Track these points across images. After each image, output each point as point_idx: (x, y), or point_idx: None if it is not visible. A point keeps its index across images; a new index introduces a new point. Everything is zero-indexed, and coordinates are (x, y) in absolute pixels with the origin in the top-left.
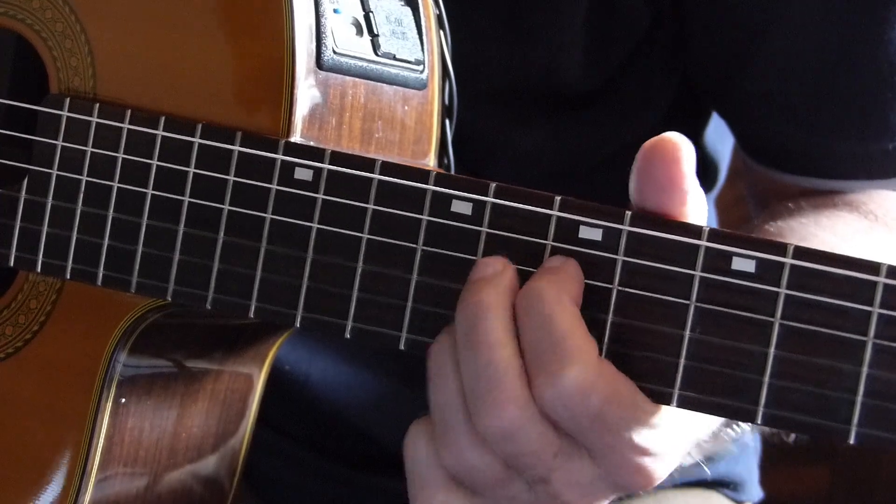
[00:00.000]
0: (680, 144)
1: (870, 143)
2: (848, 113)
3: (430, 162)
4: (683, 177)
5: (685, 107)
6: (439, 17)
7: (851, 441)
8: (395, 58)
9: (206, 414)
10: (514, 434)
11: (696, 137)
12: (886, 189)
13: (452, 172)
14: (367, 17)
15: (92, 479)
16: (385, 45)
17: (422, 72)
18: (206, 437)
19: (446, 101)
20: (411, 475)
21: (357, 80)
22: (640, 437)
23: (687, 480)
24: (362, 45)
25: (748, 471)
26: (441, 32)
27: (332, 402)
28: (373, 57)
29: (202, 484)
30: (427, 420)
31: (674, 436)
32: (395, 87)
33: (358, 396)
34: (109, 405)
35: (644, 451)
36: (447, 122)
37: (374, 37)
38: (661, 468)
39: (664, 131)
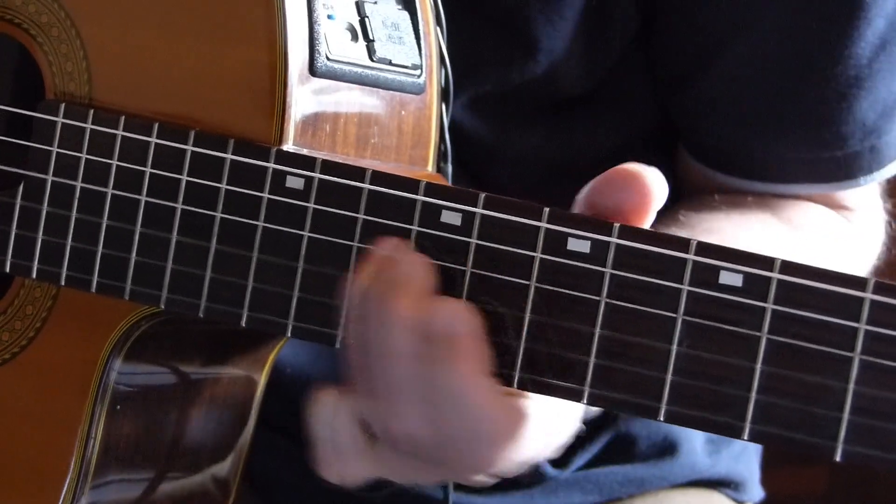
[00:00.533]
0: (659, 187)
1: (819, 151)
2: (801, 123)
3: (429, 167)
4: (648, 213)
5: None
6: (436, 9)
7: (837, 458)
8: (391, 63)
9: (205, 419)
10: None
11: None
12: (828, 192)
13: (449, 160)
14: (362, 23)
15: (88, 485)
16: (381, 50)
17: (419, 76)
18: (205, 443)
19: (442, 84)
20: (321, 443)
21: (352, 86)
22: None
23: (687, 480)
24: (357, 51)
25: (749, 470)
26: (437, 28)
27: None
28: (368, 63)
29: (201, 489)
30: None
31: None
32: (391, 92)
33: None
34: (105, 411)
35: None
36: (443, 106)
37: (369, 42)
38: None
39: (661, 129)
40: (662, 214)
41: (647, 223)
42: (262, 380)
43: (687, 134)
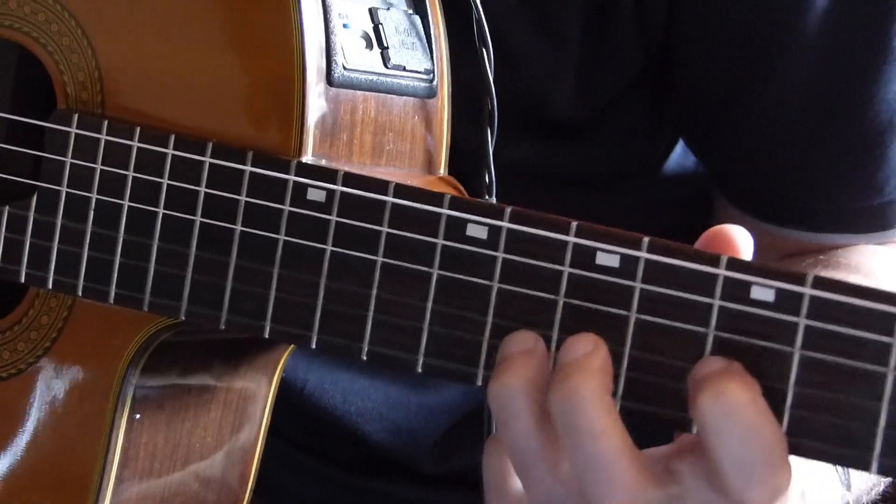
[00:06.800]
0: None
1: (854, 200)
2: (833, 171)
3: (442, 169)
4: None
5: (677, 136)
6: (481, 35)
7: (873, 471)
8: (405, 69)
9: (220, 423)
10: None
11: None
12: (868, 243)
13: (493, 188)
14: (376, 30)
15: (108, 495)
16: (395, 57)
17: (432, 81)
18: (220, 447)
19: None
20: (487, 488)
21: (367, 94)
22: None
23: None
24: (372, 59)
25: None
26: (483, 49)
27: (329, 407)
28: (383, 70)
29: (216, 493)
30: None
31: None
32: (405, 97)
33: (355, 402)
34: (124, 422)
35: None
36: (488, 135)
37: (383, 49)
38: None
39: (655, 164)
40: None
41: None
42: (273, 382)
43: (719, 181)
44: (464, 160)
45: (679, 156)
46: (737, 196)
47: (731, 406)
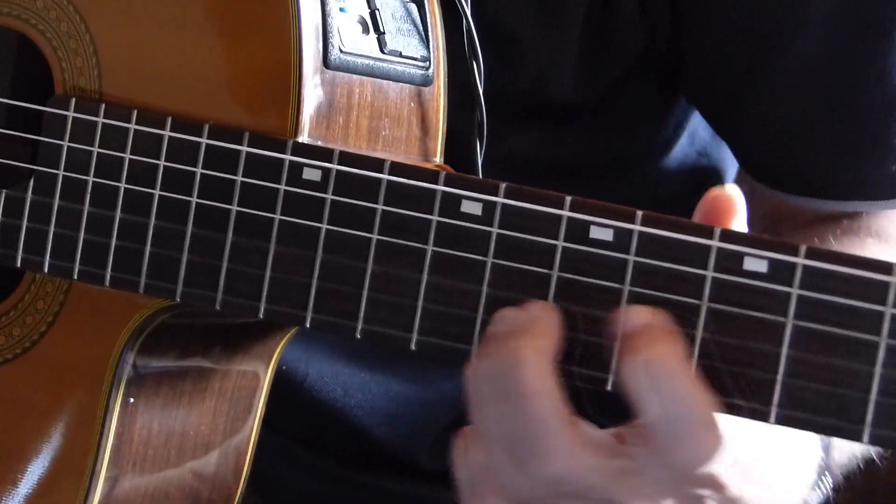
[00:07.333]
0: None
1: (873, 166)
2: (851, 137)
3: (437, 158)
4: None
5: (682, 124)
6: (472, 47)
7: (865, 441)
8: (401, 55)
9: (214, 412)
10: (565, 480)
11: (695, 147)
12: (885, 209)
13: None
14: (372, 15)
15: (101, 479)
16: (391, 42)
17: (427, 68)
18: (214, 436)
19: (478, 124)
20: (461, 484)
21: (364, 78)
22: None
23: None
24: (369, 44)
25: None
26: (474, 61)
27: (329, 401)
28: (379, 55)
29: (210, 482)
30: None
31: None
32: (401, 84)
33: (355, 396)
34: (118, 405)
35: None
36: (478, 146)
37: (380, 35)
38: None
39: (660, 146)
40: None
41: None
42: (269, 373)
43: (740, 155)
44: (461, 150)
45: (683, 146)
46: (756, 169)
47: (657, 371)
